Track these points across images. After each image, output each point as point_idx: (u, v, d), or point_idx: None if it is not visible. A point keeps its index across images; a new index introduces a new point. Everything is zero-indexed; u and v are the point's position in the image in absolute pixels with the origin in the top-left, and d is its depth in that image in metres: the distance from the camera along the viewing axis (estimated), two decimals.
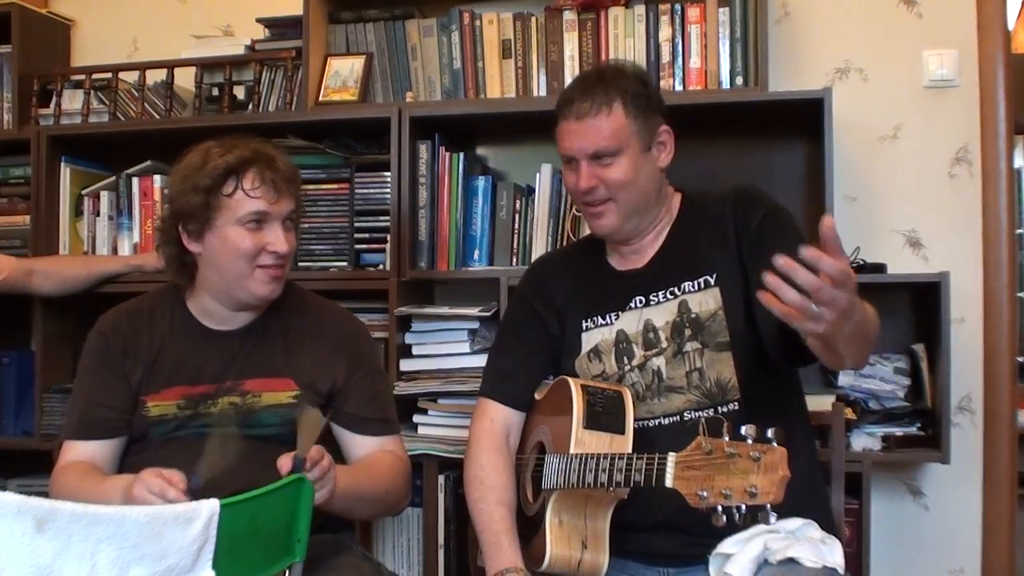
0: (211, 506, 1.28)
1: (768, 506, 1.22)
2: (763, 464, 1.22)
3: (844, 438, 2.02)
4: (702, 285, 1.63)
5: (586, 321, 1.72)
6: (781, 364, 1.59)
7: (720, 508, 1.24)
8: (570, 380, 1.62)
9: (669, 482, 1.32)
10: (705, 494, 1.26)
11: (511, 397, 1.75)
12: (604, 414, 1.57)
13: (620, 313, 1.69)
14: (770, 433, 1.24)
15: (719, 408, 1.59)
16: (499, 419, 1.74)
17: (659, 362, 1.63)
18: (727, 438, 1.26)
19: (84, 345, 1.83)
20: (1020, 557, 2.47)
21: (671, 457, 1.33)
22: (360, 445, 1.80)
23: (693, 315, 1.61)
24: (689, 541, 1.50)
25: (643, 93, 1.64)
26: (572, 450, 1.53)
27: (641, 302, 1.67)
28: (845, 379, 2.31)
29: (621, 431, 1.56)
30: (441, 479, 2.36)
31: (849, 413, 2.22)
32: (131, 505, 1.38)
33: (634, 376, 1.65)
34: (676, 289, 1.64)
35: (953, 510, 2.45)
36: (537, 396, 1.76)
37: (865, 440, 2.27)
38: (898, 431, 2.28)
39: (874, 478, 2.26)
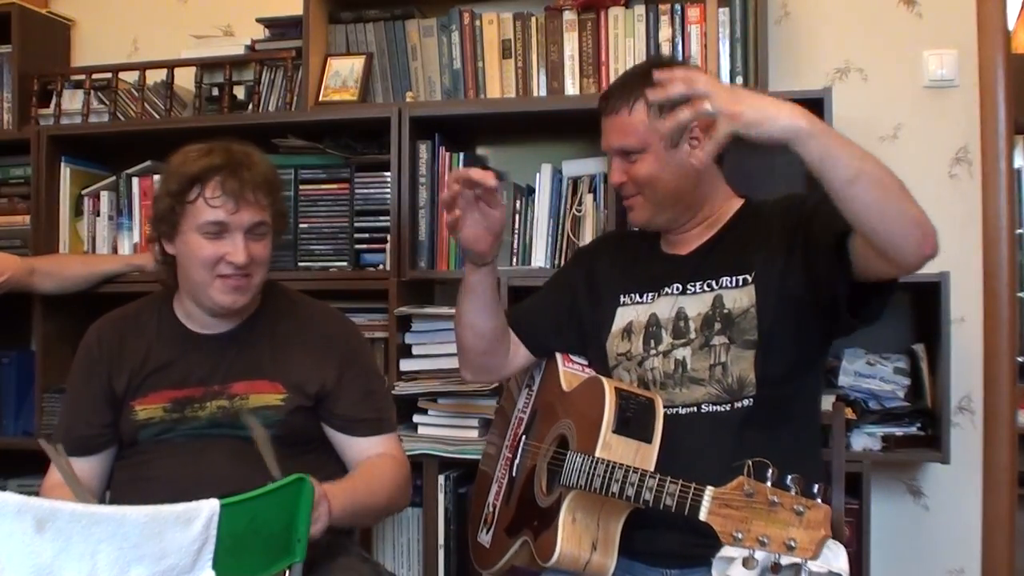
0: (211, 506, 1.28)
1: (805, 562, 1.22)
2: (806, 519, 1.21)
3: (844, 438, 2.02)
4: (740, 283, 1.65)
5: (624, 296, 1.76)
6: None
7: (752, 553, 1.24)
8: (604, 380, 1.62)
9: (703, 516, 1.32)
10: (740, 536, 1.25)
11: (515, 319, 1.87)
12: (634, 420, 1.56)
13: (656, 296, 1.72)
14: (816, 489, 1.24)
15: (735, 403, 1.60)
16: None
17: (685, 352, 1.65)
18: (770, 483, 1.26)
19: (78, 351, 1.85)
20: (1020, 557, 2.47)
21: (708, 491, 1.32)
22: (355, 447, 1.80)
23: (726, 311, 1.63)
24: (692, 541, 1.50)
25: None
26: (598, 452, 1.53)
27: (678, 289, 1.70)
28: (845, 379, 2.31)
29: (649, 440, 1.55)
30: (441, 479, 2.36)
31: (849, 413, 2.22)
32: None
33: (656, 362, 1.67)
34: (714, 283, 1.66)
35: (953, 510, 2.45)
36: (564, 387, 1.76)
37: (865, 440, 2.27)
38: (898, 431, 2.27)
39: (874, 478, 2.26)
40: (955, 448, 2.24)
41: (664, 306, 1.70)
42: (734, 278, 1.65)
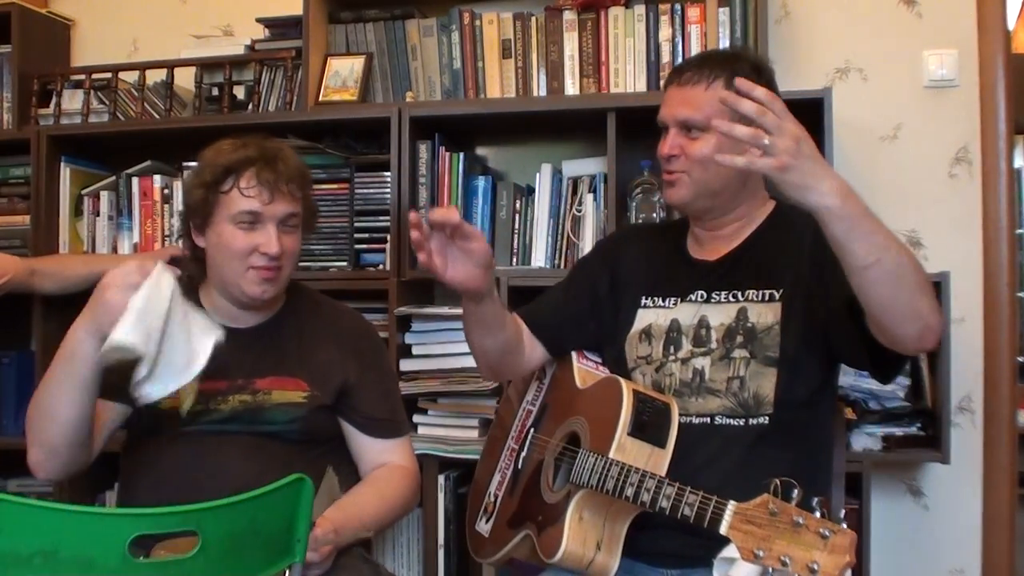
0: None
1: None
2: (831, 544, 1.20)
3: (844, 438, 2.02)
4: (766, 297, 1.62)
5: (645, 298, 1.73)
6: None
7: (772, 572, 1.24)
8: (623, 382, 1.61)
9: (723, 530, 1.31)
10: (762, 554, 1.24)
11: (533, 320, 1.81)
12: (650, 424, 1.55)
13: (679, 301, 1.69)
14: (842, 514, 1.23)
15: (749, 420, 1.59)
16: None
17: (704, 363, 1.63)
18: (795, 504, 1.25)
19: None
20: (1020, 557, 2.48)
21: (731, 505, 1.31)
22: (370, 449, 1.83)
23: (749, 324, 1.61)
24: (693, 542, 1.50)
25: (752, 80, 1.60)
26: (612, 454, 1.52)
27: (702, 296, 1.67)
28: (845, 379, 2.31)
29: (663, 445, 1.54)
30: (441, 479, 2.36)
31: (849, 413, 2.22)
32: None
33: (674, 367, 1.65)
34: (740, 294, 1.64)
35: (953, 510, 2.45)
36: (579, 384, 1.75)
37: (865, 440, 2.26)
38: (898, 431, 2.27)
39: (874, 478, 2.26)
40: (955, 448, 2.24)
41: (687, 313, 1.67)
42: (761, 292, 1.63)
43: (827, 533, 1.21)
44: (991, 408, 2.41)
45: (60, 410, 1.59)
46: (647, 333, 1.70)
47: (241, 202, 1.69)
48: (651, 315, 1.71)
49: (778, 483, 1.28)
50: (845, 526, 1.22)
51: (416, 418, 2.39)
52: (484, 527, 1.83)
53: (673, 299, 1.70)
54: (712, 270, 1.69)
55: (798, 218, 1.67)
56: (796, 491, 1.26)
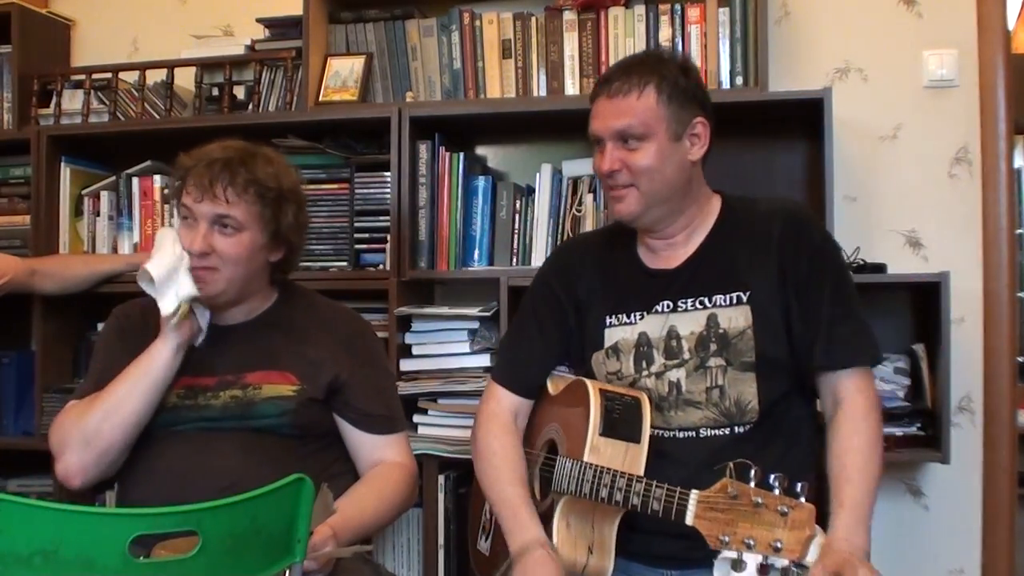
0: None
1: (792, 565, 1.22)
2: (791, 520, 1.21)
3: None
4: (734, 301, 1.60)
5: (610, 317, 1.68)
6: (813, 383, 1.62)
7: (740, 555, 1.24)
8: (588, 383, 1.59)
9: (689, 520, 1.32)
10: (727, 539, 1.25)
11: (521, 386, 1.75)
12: (621, 421, 1.54)
13: (645, 314, 1.65)
14: (799, 487, 1.23)
15: (735, 428, 1.58)
16: (506, 403, 1.74)
17: (679, 374, 1.60)
18: (754, 484, 1.25)
19: (103, 327, 1.92)
20: (1020, 557, 2.47)
21: (693, 495, 1.32)
22: (367, 444, 1.83)
23: (721, 330, 1.59)
24: (692, 544, 1.50)
25: (681, 82, 1.60)
26: (586, 457, 1.52)
27: (668, 307, 1.64)
28: None
29: (637, 440, 1.54)
30: (441, 479, 2.36)
31: None
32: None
33: (649, 383, 1.63)
34: (707, 300, 1.61)
35: (953, 510, 2.45)
36: (551, 391, 1.74)
37: None
38: (898, 431, 2.27)
39: None
40: (955, 448, 2.24)
41: (654, 325, 1.64)
42: (728, 296, 1.60)
43: (785, 510, 1.22)
44: (991, 408, 2.41)
45: (131, 409, 1.70)
46: (615, 349, 1.67)
47: (184, 197, 1.74)
48: (618, 332, 1.67)
49: (731, 466, 1.28)
50: (804, 500, 1.22)
51: (416, 418, 2.39)
52: (484, 545, 1.83)
53: (638, 313, 1.66)
54: (674, 278, 1.65)
55: (751, 214, 1.66)
56: (752, 471, 1.26)
